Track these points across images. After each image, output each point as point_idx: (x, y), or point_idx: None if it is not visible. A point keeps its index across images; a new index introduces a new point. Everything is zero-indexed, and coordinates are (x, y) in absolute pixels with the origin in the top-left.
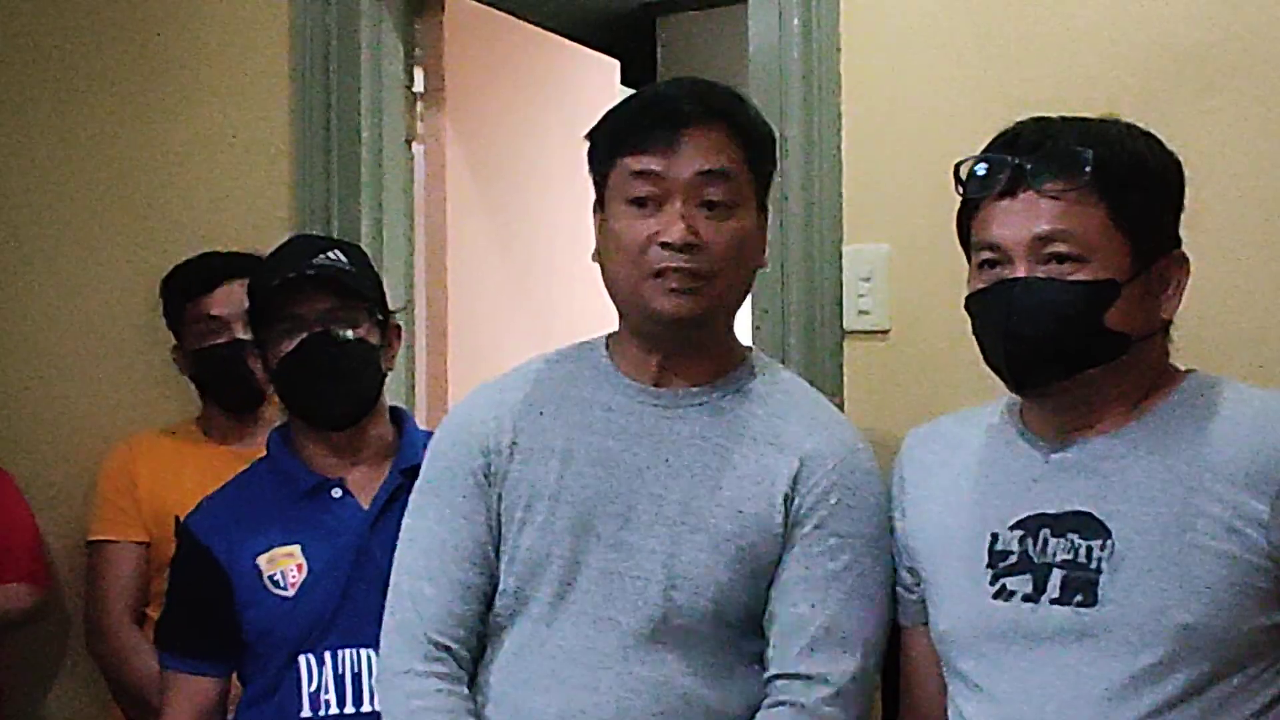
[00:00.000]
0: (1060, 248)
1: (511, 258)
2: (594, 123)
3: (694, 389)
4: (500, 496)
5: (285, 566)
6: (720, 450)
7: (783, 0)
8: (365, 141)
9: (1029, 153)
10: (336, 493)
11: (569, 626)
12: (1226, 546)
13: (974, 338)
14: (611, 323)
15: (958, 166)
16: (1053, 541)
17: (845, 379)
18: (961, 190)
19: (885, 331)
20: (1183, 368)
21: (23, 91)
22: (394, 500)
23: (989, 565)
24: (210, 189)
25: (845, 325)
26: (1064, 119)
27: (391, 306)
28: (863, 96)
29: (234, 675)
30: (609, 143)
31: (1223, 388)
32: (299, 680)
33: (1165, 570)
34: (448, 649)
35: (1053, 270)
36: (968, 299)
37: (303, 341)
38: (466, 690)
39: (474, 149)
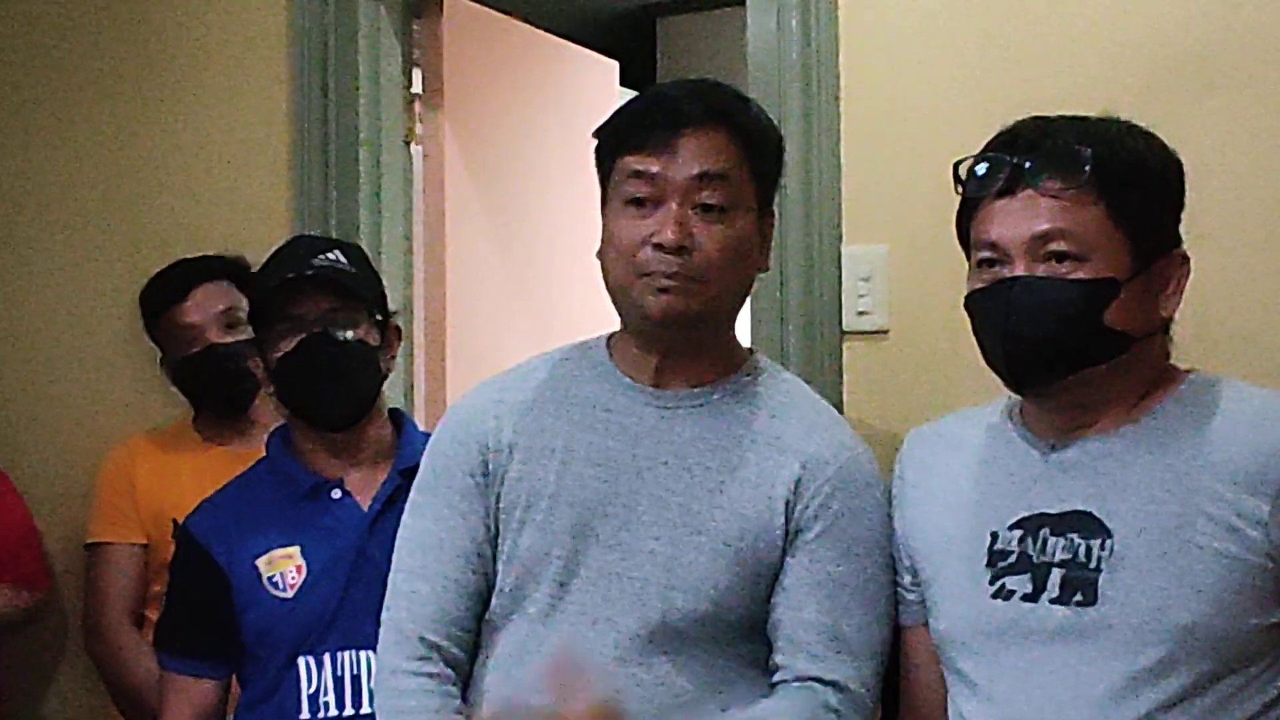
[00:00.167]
0: (1059, 246)
1: (510, 259)
2: (595, 123)
3: (694, 390)
4: (499, 496)
5: (284, 568)
6: (720, 452)
7: (781, 1)
8: (364, 143)
9: (1028, 151)
10: (336, 494)
11: (566, 627)
12: (1226, 546)
13: (974, 337)
14: (611, 323)
15: (957, 166)
16: (1052, 541)
17: (844, 379)
18: (961, 190)
19: (884, 332)
20: (1183, 367)
21: (20, 93)
22: (393, 501)
23: (989, 565)
24: (209, 190)
25: (844, 326)
26: (1063, 118)
27: (390, 307)
28: (862, 97)
29: (234, 678)
30: (611, 141)
31: (1223, 387)
32: (298, 682)
33: (1165, 570)
34: (439, 648)
35: (1052, 269)
36: (967, 298)
37: (301, 342)
38: (455, 689)
39: (473, 150)
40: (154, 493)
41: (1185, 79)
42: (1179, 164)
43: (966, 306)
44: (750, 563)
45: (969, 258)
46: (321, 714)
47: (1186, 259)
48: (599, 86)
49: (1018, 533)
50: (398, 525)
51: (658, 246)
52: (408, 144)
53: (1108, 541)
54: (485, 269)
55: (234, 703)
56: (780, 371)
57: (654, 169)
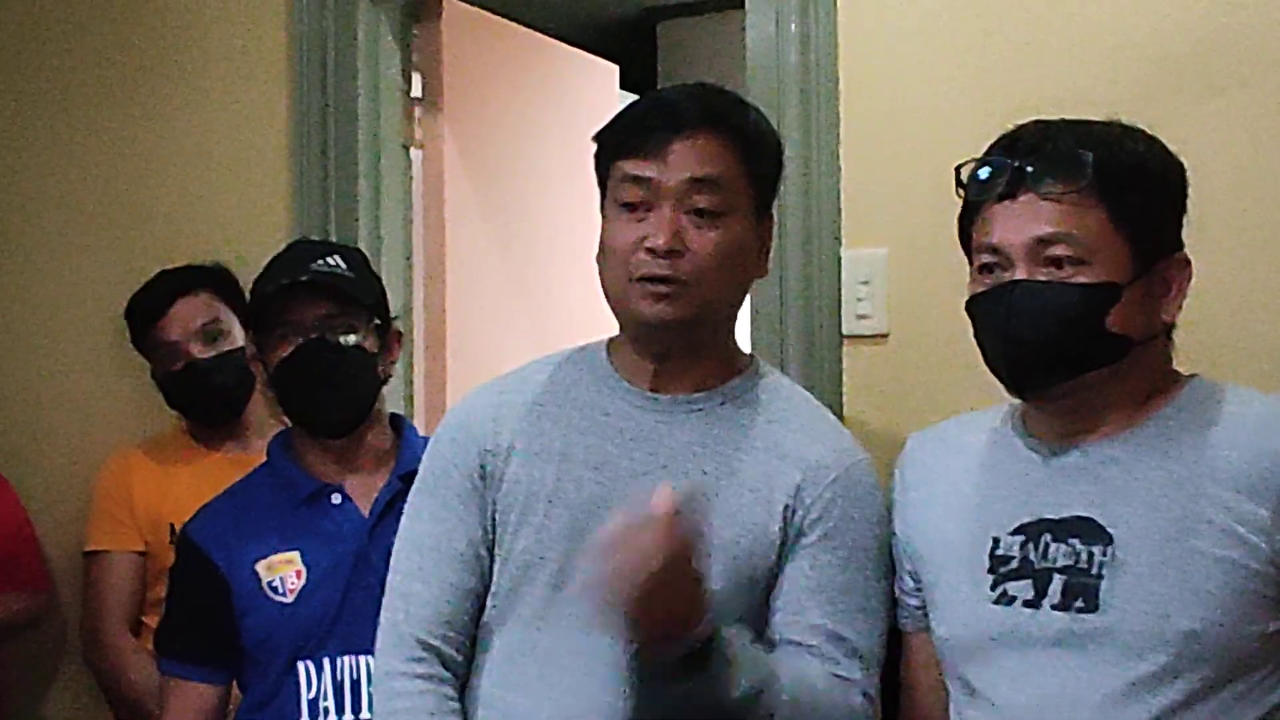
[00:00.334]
0: (1060, 250)
1: (510, 262)
2: (595, 127)
3: (693, 395)
4: (496, 498)
5: (284, 573)
6: (718, 457)
7: (780, 4)
8: (363, 146)
9: (1029, 155)
10: (336, 499)
11: (559, 630)
12: (1229, 552)
13: (975, 341)
14: (612, 326)
15: (958, 169)
16: (1054, 546)
17: (844, 383)
18: (962, 193)
19: (884, 335)
20: (1185, 372)
21: (19, 97)
22: (393, 506)
23: (990, 570)
24: (208, 195)
25: (844, 329)
26: (1065, 121)
27: (391, 312)
28: (861, 100)
29: (234, 683)
30: (608, 146)
31: (1225, 393)
32: (298, 687)
33: (1167, 576)
34: (435, 650)
35: (1053, 273)
36: (968, 302)
37: (299, 348)
38: (452, 690)
39: (472, 154)
40: (151, 500)
41: (1186, 81)
42: (1181, 167)
43: (968, 310)
44: (747, 567)
45: (970, 261)
46: (321, 719)
47: (1188, 263)
48: (599, 90)
49: (1019, 538)
50: (397, 530)
51: (650, 250)
52: (407, 148)
53: (1109, 547)
54: (485, 273)
55: (235, 707)
56: (780, 377)
57: (648, 173)
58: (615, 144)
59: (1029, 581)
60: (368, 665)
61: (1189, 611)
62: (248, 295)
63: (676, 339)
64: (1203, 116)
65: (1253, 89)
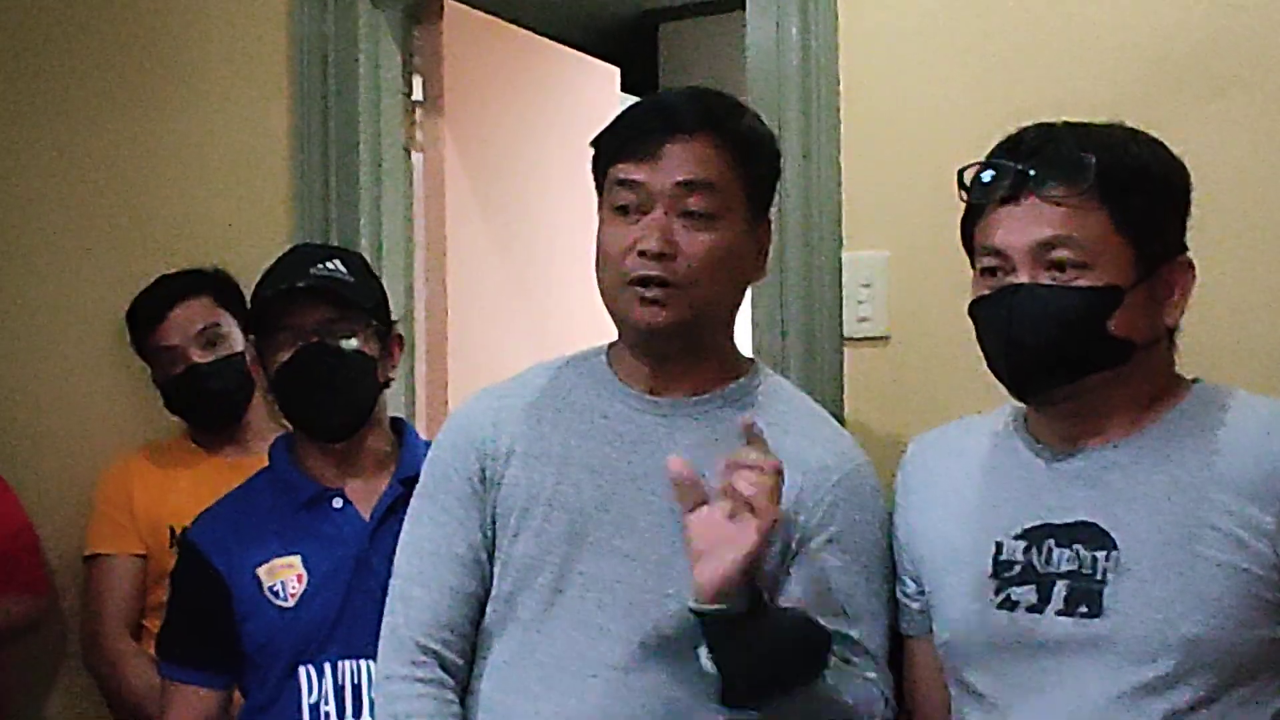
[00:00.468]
0: (1063, 254)
1: (511, 265)
2: (596, 129)
3: (692, 398)
4: (496, 502)
5: (285, 577)
6: (718, 459)
7: (781, 6)
8: (364, 149)
9: (1031, 158)
10: (337, 503)
11: (560, 633)
12: (1233, 558)
13: (977, 344)
14: (611, 330)
15: (961, 172)
16: (1057, 551)
17: (845, 386)
18: (964, 196)
19: (885, 338)
20: (1187, 375)
21: (19, 101)
22: (394, 510)
23: (993, 575)
24: (209, 198)
25: (845, 332)
26: (1067, 124)
27: (392, 316)
28: (861, 102)
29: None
30: (603, 151)
31: (1229, 398)
32: (299, 692)
33: (1171, 582)
34: (437, 654)
35: (1055, 277)
36: (971, 306)
37: (298, 352)
38: (453, 695)
39: (473, 157)
40: (152, 504)
41: (1188, 82)
42: (1184, 170)
43: (971, 314)
44: None
45: (973, 264)
46: None
47: (1191, 266)
48: (599, 92)
49: (1023, 543)
50: (399, 534)
51: (641, 253)
52: (408, 151)
53: (1113, 553)
54: (486, 275)
55: (236, 712)
56: (780, 381)
57: (640, 177)
58: (609, 149)
59: (1032, 586)
60: (369, 669)
61: (1193, 617)
62: (249, 299)
63: (671, 343)
64: (1204, 118)
65: (1254, 90)
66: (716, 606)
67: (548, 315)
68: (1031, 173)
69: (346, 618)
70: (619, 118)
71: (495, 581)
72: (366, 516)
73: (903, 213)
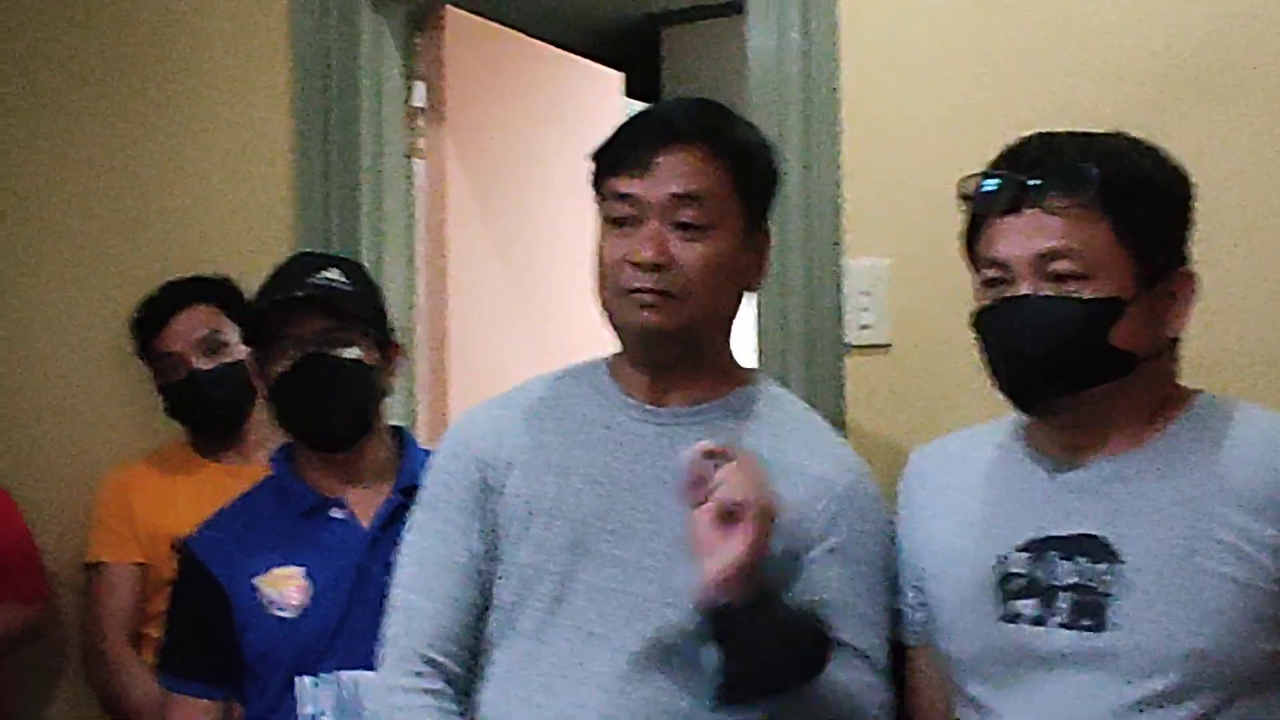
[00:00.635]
0: (1064, 265)
1: (513, 272)
2: (598, 135)
3: (693, 408)
4: (497, 511)
5: (285, 588)
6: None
7: (781, 13)
8: (365, 156)
9: (1033, 169)
10: (337, 513)
11: (561, 643)
12: (1237, 572)
13: (978, 354)
14: (612, 336)
15: (962, 183)
16: (1061, 564)
17: (846, 393)
18: (965, 206)
19: (886, 346)
20: (1190, 384)
21: (21, 109)
22: (394, 520)
23: (997, 587)
24: (211, 206)
25: (846, 340)
26: (1069, 134)
27: (392, 324)
28: (862, 109)
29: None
30: (599, 164)
31: (1233, 410)
32: (297, 703)
33: (1175, 595)
34: (438, 664)
35: (1057, 288)
36: (972, 317)
37: (296, 362)
38: (454, 704)
39: (474, 163)
40: (152, 512)
41: (1190, 91)
42: (1187, 180)
43: (972, 325)
44: None
45: (974, 274)
46: None
47: (1193, 277)
48: (602, 98)
49: (1026, 555)
50: (399, 544)
51: (636, 264)
52: (409, 158)
53: (1117, 566)
54: (487, 283)
55: None
56: (781, 391)
57: (634, 190)
58: (605, 162)
59: (1036, 600)
60: (368, 680)
61: (1197, 631)
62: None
63: (670, 349)
64: (1206, 126)
65: (1256, 98)
66: (722, 600)
67: (549, 322)
68: (1033, 183)
69: (346, 629)
70: (615, 131)
71: (496, 591)
72: (366, 526)
73: (904, 220)
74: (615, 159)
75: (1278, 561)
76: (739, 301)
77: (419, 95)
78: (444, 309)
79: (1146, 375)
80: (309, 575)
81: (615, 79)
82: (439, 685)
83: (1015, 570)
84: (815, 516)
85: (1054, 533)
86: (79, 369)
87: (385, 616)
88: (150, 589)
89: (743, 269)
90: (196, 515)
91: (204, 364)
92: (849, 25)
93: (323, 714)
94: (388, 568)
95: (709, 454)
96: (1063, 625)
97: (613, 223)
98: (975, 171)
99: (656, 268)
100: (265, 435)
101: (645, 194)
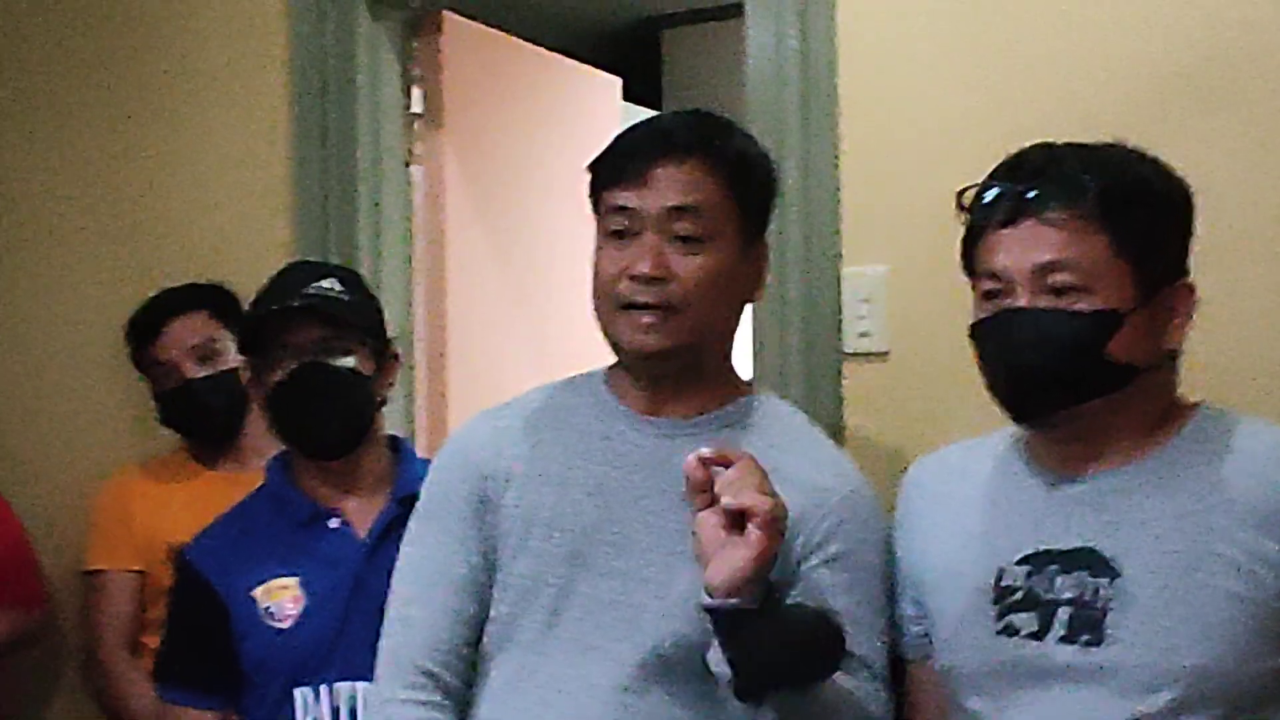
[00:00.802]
0: (1063, 277)
1: (511, 279)
2: (597, 140)
3: (691, 419)
4: (496, 523)
5: (281, 598)
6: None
7: (779, 19)
8: (363, 163)
9: (1032, 180)
10: (334, 522)
11: (559, 655)
12: (1238, 587)
13: (977, 366)
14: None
15: (961, 193)
16: (1060, 578)
17: (845, 401)
18: (964, 217)
19: (885, 354)
20: (1189, 396)
21: (17, 115)
22: (391, 530)
23: (995, 600)
24: (208, 212)
25: (845, 348)
26: (1069, 145)
27: (390, 331)
28: (861, 115)
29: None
30: (597, 176)
31: (1234, 422)
32: (295, 714)
33: (1175, 610)
34: (436, 676)
35: (1055, 300)
36: (971, 329)
37: (292, 371)
38: (452, 717)
39: (473, 170)
40: (150, 520)
41: (1189, 100)
42: (1186, 192)
43: (971, 337)
44: None
45: (974, 285)
46: None
47: (1193, 289)
48: (601, 103)
49: (1025, 568)
50: (396, 555)
51: (634, 278)
52: (408, 164)
53: (1116, 580)
54: (486, 289)
55: None
56: (779, 402)
57: (631, 202)
58: (602, 174)
59: (1034, 613)
60: (365, 691)
61: (1197, 646)
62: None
63: (667, 365)
64: (1208, 134)
65: (1255, 107)
66: (730, 602)
67: (548, 329)
68: (1031, 195)
69: (344, 639)
70: (611, 143)
71: (494, 603)
72: (363, 536)
73: (903, 227)
74: (612, 171)
75: (1278, 577)
76: (738, 314)
77: (417, 101)
78: (443, 316)
79: (1146, 388)
80: (305, 586)
81: (614, 84)
82: (436, 697)
83: (1014, 584)
84: (813, 527)
85: (1053, 546)
86: (76, 376)
87: (383, 628)
88: (148, 597)
89: (741, 281)
90: (194, 523)
91: (198, 372)
92: (847, 30)
93: None
94: (385, 578)
95: (709, 459)
96: (1061, 640)
97: (610, 235)
98: (974, 182)
99: (654, 280)
100: (262, 443)
101: (642, 206)
